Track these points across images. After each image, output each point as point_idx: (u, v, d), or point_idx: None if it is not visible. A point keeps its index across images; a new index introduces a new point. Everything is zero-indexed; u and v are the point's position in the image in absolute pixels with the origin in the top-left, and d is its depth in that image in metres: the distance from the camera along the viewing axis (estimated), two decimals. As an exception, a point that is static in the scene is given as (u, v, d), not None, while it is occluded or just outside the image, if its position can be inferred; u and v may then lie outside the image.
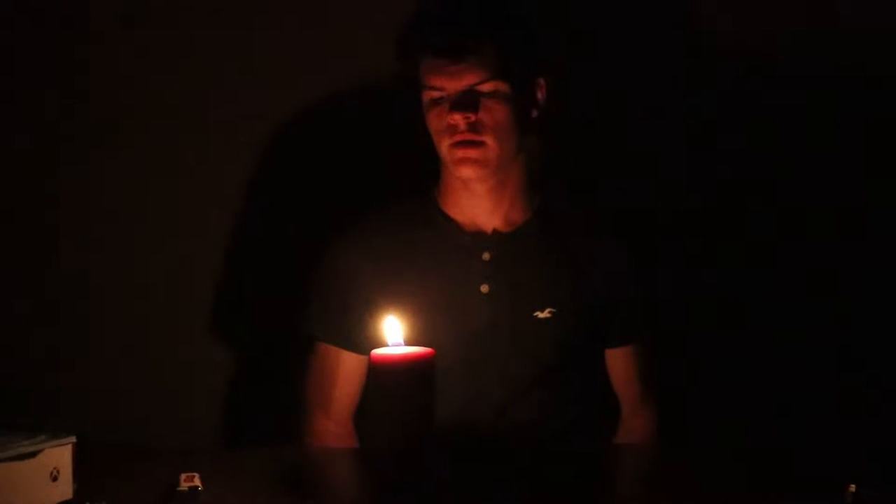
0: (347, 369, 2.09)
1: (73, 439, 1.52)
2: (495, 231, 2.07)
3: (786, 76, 2.37)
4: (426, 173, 2.10)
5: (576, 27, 2.35)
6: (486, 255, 2.05)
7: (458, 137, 1.98)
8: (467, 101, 1.97)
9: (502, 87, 1.97)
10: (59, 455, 1.51)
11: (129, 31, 2.35)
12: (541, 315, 2.03)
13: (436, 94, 1.99)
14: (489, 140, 1.98)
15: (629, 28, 2.37)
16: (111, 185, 2.39)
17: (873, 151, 2.38)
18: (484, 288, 2.03)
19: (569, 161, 2.21)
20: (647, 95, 2.37)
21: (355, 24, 2.35)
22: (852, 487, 1.52)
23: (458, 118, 1.97)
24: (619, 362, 2.10)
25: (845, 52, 2.35)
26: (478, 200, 2.06)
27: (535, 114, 2.04)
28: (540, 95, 2.04)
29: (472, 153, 1.98)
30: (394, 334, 1.62)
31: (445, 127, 1.99)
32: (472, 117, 1.96)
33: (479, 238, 2.06)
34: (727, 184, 2.39)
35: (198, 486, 1.58)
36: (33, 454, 1.47)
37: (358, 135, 2.38)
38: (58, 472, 1.50)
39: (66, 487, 1.51)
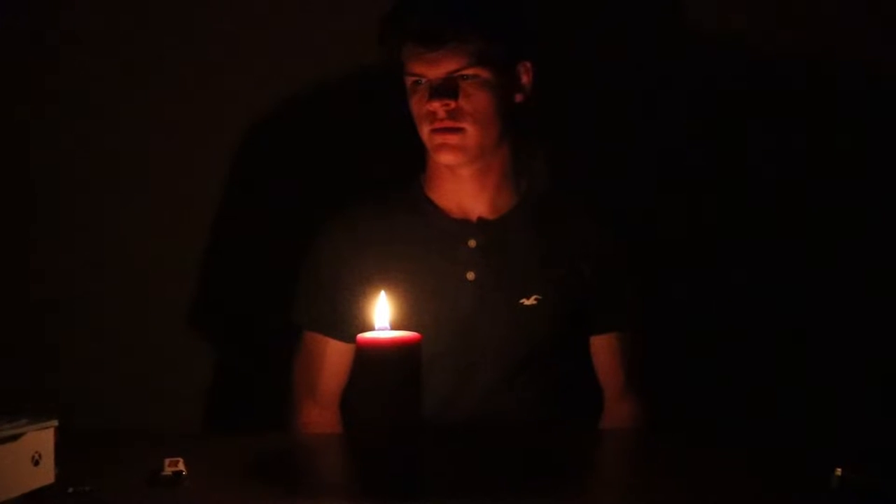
0: (334, 356, 2.09)
1: (56, 423, 1.51)
2: (481, 218, 2.06)
3: (787, 75, 2.38)
4: (412, 161, 2.09)
5: (574, 27, 2.36)
6: (471, 243, 2.04)
7: (438, 125, 1.97)
8: (446, 88, 1.96)
9: (483, 73, 1.96)
10: (41, 439, 1.49)
11: (110, 27, 2.34)
12: (527, 302, 2.02)
13: (416, 80, 1.98)
14: (469, 127, 1.97)
15: (628, 27, 2.38)
16: (95, 173, 2.37)
17: (874, 151, 2.39)
18: (470, 275, 2.03)
19: (567, 161, 2.21)
20: (646, 95, 2.37)
21: (338, 10, 2.35)
22: (838, 471, 1.53)
23: (436, 105, 1.96)
24: (602, 350, 2.09)
25: (846, 51, 2.36)
26: (462, 186, 2.05)
27: (519, 98, 2.03)
28: (525, 79, 2.03)
29: (450, 139, 1.98)
30: (380, 319, 1.61)
31: (425, 113, 1.98)
32: (452, 104, 1.96)
33: (464, 225, 2.05)
34: (726, 183, 2.40)
35: (182, 471, 1.57)
36: (15, 438, 1.46)
37: (343, 123, 2.37)
38: (40, 456, 1.49)
39: (48, 471, 1.50)
